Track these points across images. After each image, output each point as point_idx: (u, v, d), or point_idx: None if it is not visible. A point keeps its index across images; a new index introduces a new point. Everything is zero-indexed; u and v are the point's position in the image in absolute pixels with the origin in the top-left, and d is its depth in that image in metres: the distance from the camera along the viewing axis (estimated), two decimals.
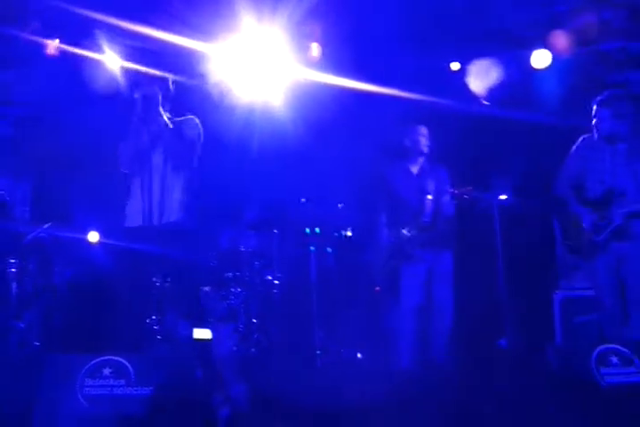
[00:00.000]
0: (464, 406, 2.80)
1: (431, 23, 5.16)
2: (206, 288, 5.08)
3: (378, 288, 4.52)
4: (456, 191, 4.12)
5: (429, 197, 4.30)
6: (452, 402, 2.92)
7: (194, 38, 4.80)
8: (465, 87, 5.43)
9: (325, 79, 5.38)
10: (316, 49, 5.41)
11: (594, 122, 4.04)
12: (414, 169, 4.52)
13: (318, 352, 4.73)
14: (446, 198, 4.33)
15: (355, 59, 5.26)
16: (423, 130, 4.51)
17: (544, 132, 5.09)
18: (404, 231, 4.23)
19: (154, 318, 4.71)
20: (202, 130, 3.78)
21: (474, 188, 4.08)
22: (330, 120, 5.65)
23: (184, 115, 3.79)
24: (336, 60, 5.35)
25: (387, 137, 4.99)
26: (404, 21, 4.94)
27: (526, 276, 4.97)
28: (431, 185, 4.38)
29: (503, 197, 3.93)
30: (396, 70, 5.27)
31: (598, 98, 4.09)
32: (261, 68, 5.20)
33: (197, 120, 3.78)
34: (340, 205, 5.45)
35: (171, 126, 3.55)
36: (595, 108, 4.05)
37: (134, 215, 3.62)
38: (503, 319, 3.76)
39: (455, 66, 5.54)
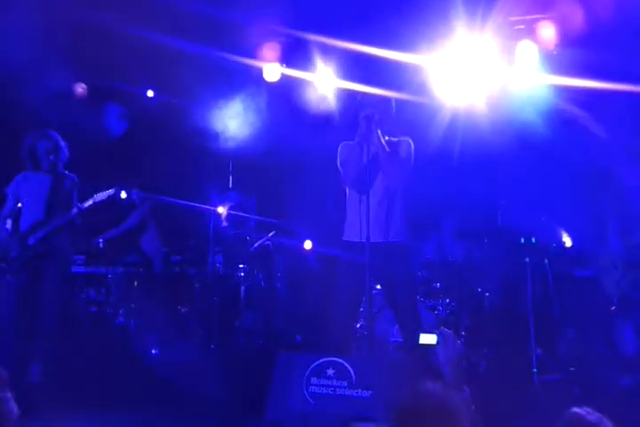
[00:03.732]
0: None
1: None
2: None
3: (614, 308, 4.07)
4: None
5: None
6: None
7: (407, 51, 4.91)
8: None
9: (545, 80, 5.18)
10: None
11: None
12: None
13: (535, 370, 4.44)
14: None
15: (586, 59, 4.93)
16: None
17: None
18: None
19: (362, 323, 4.91)
20: (414, 151, 3.77)
21: None
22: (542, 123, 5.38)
23: (398, 135, 3.83)
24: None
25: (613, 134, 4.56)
26: None
27: None
28: None
29: None
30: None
31: None
32: (472, 75, 5.14)
33: (411, 141, 3.79)
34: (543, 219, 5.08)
35: (387, 149, 3.62)
36: None
37: (353, 230, 3.69)
38: None
39: None
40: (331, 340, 3.72)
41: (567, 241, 4.97)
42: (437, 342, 2.44)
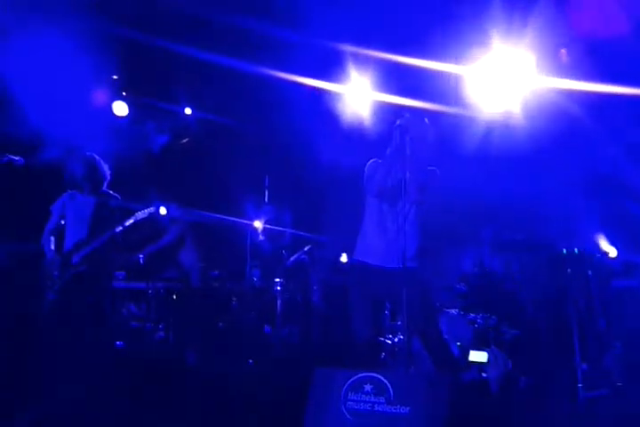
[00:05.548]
0: None
1: None
2: (453, 311, 5.02)
3: None
4: None
5: None
6: None
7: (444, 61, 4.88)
8: None
9: (572, 86, 5.09)
10: (564, 56, 5.14)
11: None
12: None
13: (580, 385, 4.30)
14: None
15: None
16: None
17: None
18: None
19: (399, 338, 4.85)
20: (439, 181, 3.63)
21: None
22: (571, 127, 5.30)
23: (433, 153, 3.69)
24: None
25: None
26: None
27: None
28: None
29: None
30: None
31: None
32: (509, 83, 5.09)
33: (438, 172, 3.65)
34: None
35: (415, 169, 3.47)
36: None
37: (369, 251, 3.56)
38: None
39: None
40: (357, 353, 3.67)
41: (611, 251, 4.81)
42: (488, 361, 2.37)
